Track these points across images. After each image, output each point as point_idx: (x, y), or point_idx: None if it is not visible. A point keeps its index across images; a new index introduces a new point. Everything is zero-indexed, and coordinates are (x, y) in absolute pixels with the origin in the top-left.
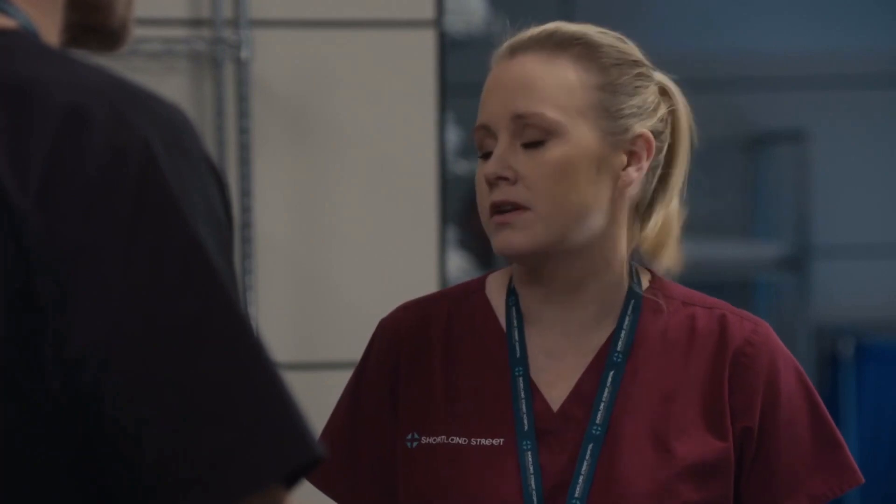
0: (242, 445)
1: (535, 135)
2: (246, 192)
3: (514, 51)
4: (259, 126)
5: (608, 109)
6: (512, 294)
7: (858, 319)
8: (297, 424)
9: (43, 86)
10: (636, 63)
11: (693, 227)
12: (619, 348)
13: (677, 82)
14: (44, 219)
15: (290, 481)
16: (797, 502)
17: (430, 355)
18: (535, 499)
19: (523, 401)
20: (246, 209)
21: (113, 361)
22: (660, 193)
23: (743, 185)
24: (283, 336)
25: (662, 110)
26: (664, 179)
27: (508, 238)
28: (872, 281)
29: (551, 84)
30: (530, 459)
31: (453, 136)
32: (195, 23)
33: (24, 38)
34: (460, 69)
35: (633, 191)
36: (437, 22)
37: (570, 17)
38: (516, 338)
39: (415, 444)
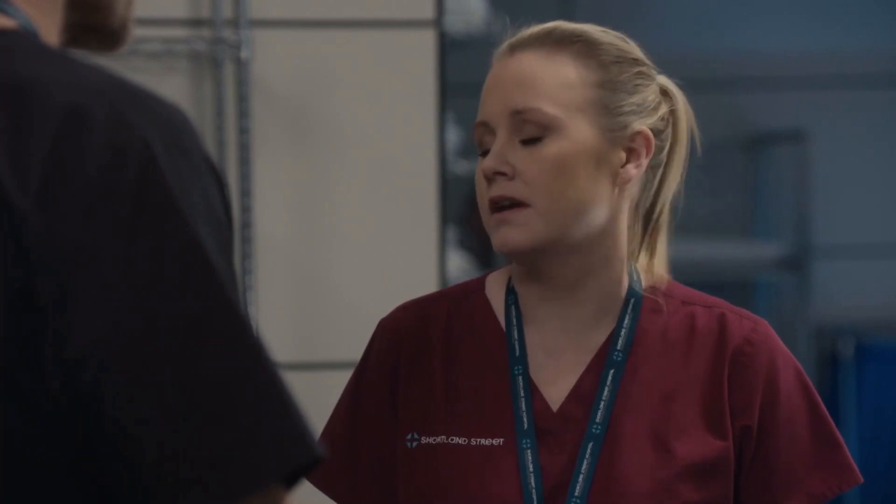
0: (242, 445)
1: (533, 131)
2: (246, 192)
3: (514, 49)
4: (259, 126)
5: (607, 106)
6: (511, 293)
7: (858, 319)
8: (297, 424)
9: (43, 86)
10: (636, 61)
11: (693, 227)
12: (618, 347)
13: (679, 85)
14: (44, 219)
15: (290, 481)
16: (796, 501)
17: (430, 355)
18: (534, 498)
19: (523, 399)
20: (246, 209)
21: (113, 361)
22: (660, 194)
23: (743, 185)
24: (283, 336)
25: (663, 110)
26: (665, 180)
27: (508, 235)
28: (872, 281)
29: (550, 80)
30: (530, 458)
31: (453, 136)
32: (195, 23)
33: (23, 38)
34: (460, 69)
35: (632, 188)
36: (437, 22)
37: (570, 18)
38: (515, 337)
39: (415, 444)
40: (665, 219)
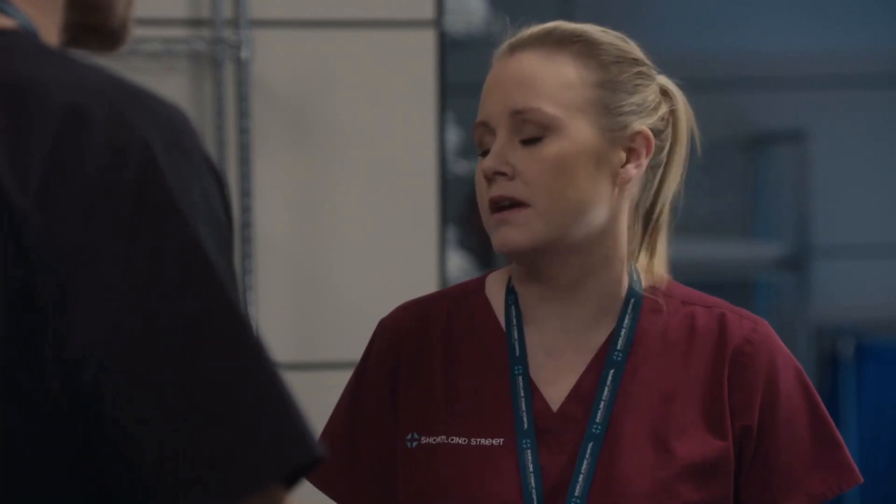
0: (242, 445)
1: (532, 130)
2: (246, 192)
3: (514, 49)
4: (259, 126)
5: (607, 106)
6: (511, 293)
7: (858, 319)
8: (297, 424)
9: (43, 86)
10: (637, 62)
11: (693, 227)
12: (618, 347)
13: (679, 85)
14: (44, 219)
15: (290, 481)
16: (796, 501)
17: (430, 355)
18: (534, 498)
19: (523, 399)
20: (246, 209)
21: (113, 361)
22: (660, 195)
23: (743, 185)
24: (283, 336)
25: (664, 110)
26: (665, 180)
27: (508, 235)
28: (872, 281)
29: (550, 80)
30: (530, 458)
31: (453, 136)
32: (195, 23)
33: (23, 38)
34: (460, 69)
35: (632, 188)
36: (437, 22)
37: (570, 18)
38: (515, 336)
39: (414, 444)
40: (665, 219)
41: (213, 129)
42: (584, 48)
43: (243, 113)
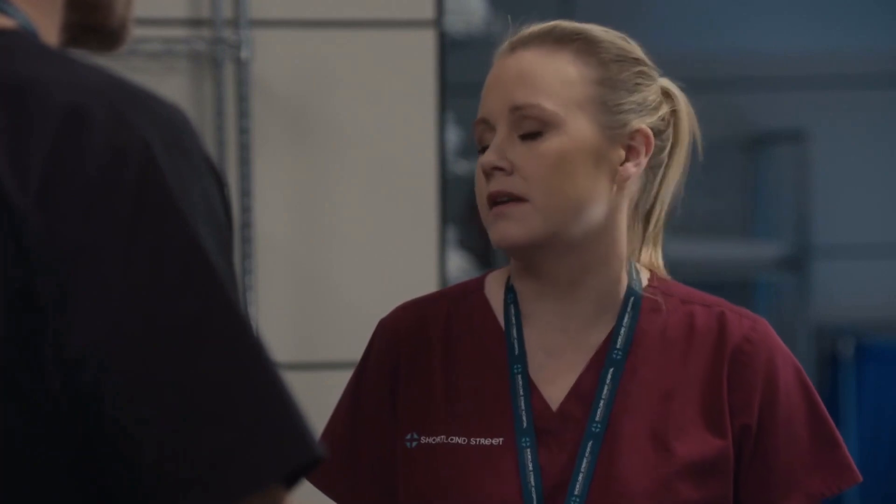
0: (242, 445)
1: (532, 126)
2: (246, 192)
3: (515, 47)
4: (259, 126)
5: (607, 104)
6: (510, 292)
7: (858, 319)
8: (297, 424)
9: (43, 86)
10: (637, 61)
11: (693, 227)
12: (618, 346)
13: (681, 88)
14: (44, 219)
15: (290, 481)
16: (795, 500)
17: (430, 355)
18: (534, 497)
19: (522, 398)
20: (246, 209)
21: (113, 361)
22: (660, 195)
23: (743, 185)
24: (283, 336)
25: (664, 110)
26: (665, 181)
27: (505, 229)
28: (872, 281)
29: (550, 77)
30: (529, 457)
31: (453, 136)
32: (195, 23)
33: (23, 38)
34: (460, 69)
35: (631, 187)
36: (437, 22)
37: (570, 18)
38: (514, 335)
39: (414, 444)
40: (662, 219)
41: (213, 129)
42: (584, 46)
43: (243, 113)
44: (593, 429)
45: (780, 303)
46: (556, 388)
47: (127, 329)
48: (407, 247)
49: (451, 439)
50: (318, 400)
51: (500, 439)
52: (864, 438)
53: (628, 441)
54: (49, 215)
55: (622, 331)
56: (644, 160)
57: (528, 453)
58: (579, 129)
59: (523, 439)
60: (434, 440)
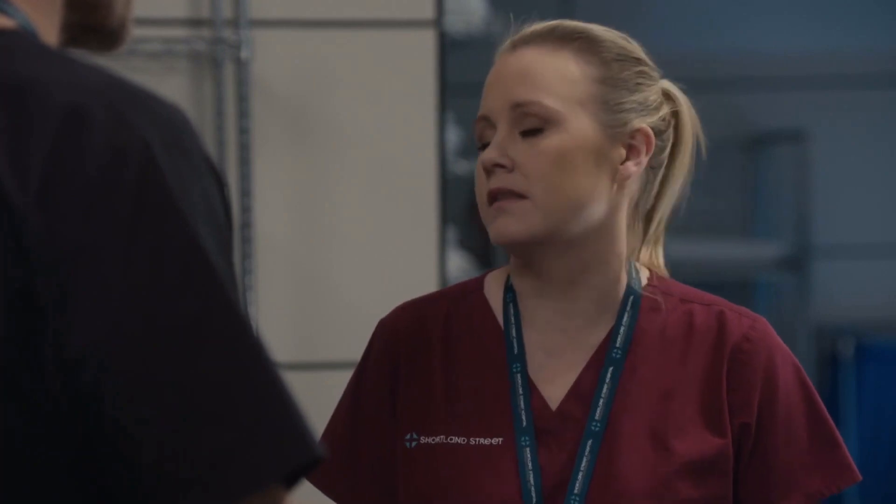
0: (242, 445)
1: (533, 122)
2: (246, 192)
3: (516, 45)
4: (259, 126)
5: (608, 103)
6: (510, 291)
7: (858, 319)
8: (297, 424)
9: (43, 86)
10: (639, 61)
11: (693, 227)
12: (617, 345)
13: (682, 90)
14: (44, 219)
15: (290, 481)
16: (794, 499)
17: (430, 355)
18: (533, 496)
19: (521, 397)
20: (246, 209)
21: (113, 361)
22: (661, 196)
23: (743, 185)
24: (283, 336)
25: (665, 111)
26: (666, 182)
27: (505, 225)
28: (872, 281)
29: (551, 74)
30: (529, 456)
31: (453, 136)
32: (195, 23)
33: (23, 38)
34: (460, 69)
35: (632, 186)
36: (437, 22)
37: (570, 18)
38: (513, 334)
39: (414, 444)
40: (665, 220)
41: (213, 129)
42: (585, 45)
43: (243, 113)
44: (593, 428)
45: (780, 303)
46: (555, 387)
47: (127, 329)
48: (407, 247)
49: (451, 439)
50: (318, 400)
51: (500, 439)
52: (864, 438)
53: (628, 440)
54: (49, 215)
55: (621, 330)
56: (645, 159)
57: (528, 453)
58: (580, 127)
59: (523, 439)
60: (433, 440)
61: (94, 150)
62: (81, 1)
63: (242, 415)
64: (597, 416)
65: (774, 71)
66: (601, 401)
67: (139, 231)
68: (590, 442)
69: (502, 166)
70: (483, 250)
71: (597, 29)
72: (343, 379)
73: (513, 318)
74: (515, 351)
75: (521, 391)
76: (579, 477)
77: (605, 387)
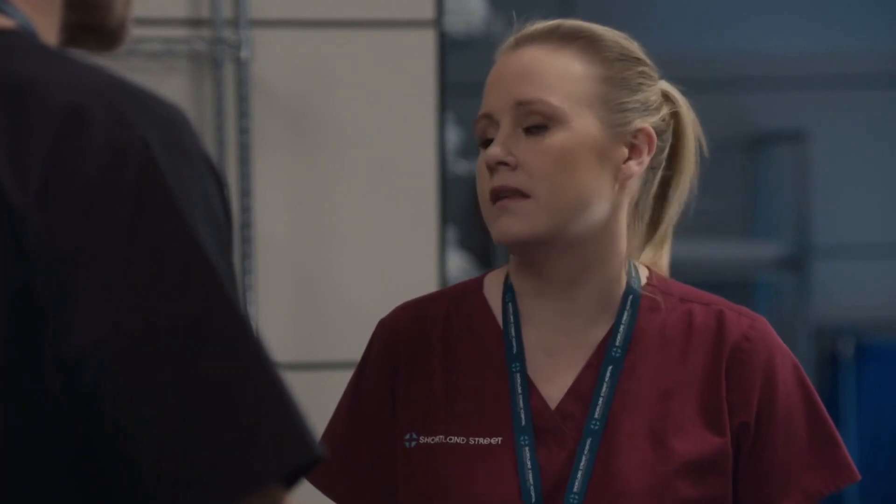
0: (242, 445)
1: (537, 120)
2: (246, 192)
3: (519, 43)
4: (259, 126)
5: (610, 102)
6: (509, 291)
7: (858, 319)
8: (296, 424)
9: (43, 86)
10: (639, 61)
11: (693, 227)
12: (617, 344)
13: (682, 91)
14: (44, 219)
15: (290, 481)
16: (793, 499)
17: (430, 355)
18: (533, 495)
19: (521, 396)
20: (246, 209)
21: (113, 361)
22: (661, 197)
23: (743, 185)
24: (283, 336)
25: (665, 111)
26: (666, 182)
27: (507, 224)
28: (872, 281)
29: (555, 73)
30: (528, 455)
31: (453, 136)
32: (195, 23)
33: (22, 38)
34: (460, 69)
35: (633, 186)
36: (437, 22)
37: (570, 17)
38: (513, 334)
39: (413, 444)
40: (671, 223)
41: (213, 129)
42: (588, 44)
43: (243, 113)
44: (592, 427)
45: (780, 303)
46: (554, 386)
47: (127, 329)
48: (407, 247)
49: (450, 439)
50: (318, 400)
51: (499, 438)
52: (864, 438)
53: (627, 439)
54: (49, 215)
55: (621, 329)
56: (646, 159)
57: (527, 452)
58: (584, 125)
59: (522, 438)
60: (433, 440)
61: (93, 150)
62: (81, 1)
63: (242, 415)
64: (596, 416)
65: (774, 71)
66: (600, 400)
67: (139, 231)
68: (589, 441)
69: (506, 164)
70: (483, 250)
71: (599, 28)
72: (343, 379)
73: (512, 318)
74: (515, 350)
75: (520, 390)
76: (578, 476)
77: (605, 386)
